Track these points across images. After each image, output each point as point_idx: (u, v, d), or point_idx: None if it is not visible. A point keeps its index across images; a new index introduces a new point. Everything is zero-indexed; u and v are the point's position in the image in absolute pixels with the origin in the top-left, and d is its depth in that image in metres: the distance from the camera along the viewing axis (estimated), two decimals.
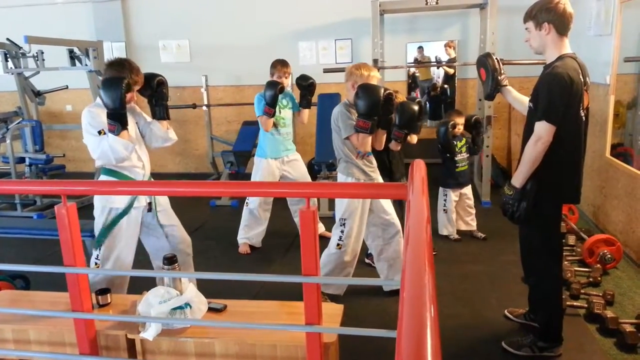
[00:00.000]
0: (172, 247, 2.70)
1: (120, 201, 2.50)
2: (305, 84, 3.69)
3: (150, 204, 2.61)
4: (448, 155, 3.91)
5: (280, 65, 3.68)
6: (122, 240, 2.54)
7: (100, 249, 2.51)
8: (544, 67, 2.31)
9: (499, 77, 2.53)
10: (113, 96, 2.29)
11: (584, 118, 2.26)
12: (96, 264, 2.52)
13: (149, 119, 2.68)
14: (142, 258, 2.79)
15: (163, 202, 2.70)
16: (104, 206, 2.50)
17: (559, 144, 2.20)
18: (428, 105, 5.71)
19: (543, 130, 2.18)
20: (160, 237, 2.69)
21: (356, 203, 2.85)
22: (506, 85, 2.56)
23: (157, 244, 2.70)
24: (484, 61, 2.59)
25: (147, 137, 2.66)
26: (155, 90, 2.61)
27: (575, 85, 2.16)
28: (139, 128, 2.64)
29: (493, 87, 2.54)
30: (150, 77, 2.59)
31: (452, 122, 3.85)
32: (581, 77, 2.20)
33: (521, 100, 2.56)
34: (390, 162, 3.48)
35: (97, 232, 2.53)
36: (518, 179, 2.30)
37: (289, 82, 3.76)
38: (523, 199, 2.29)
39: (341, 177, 2.95)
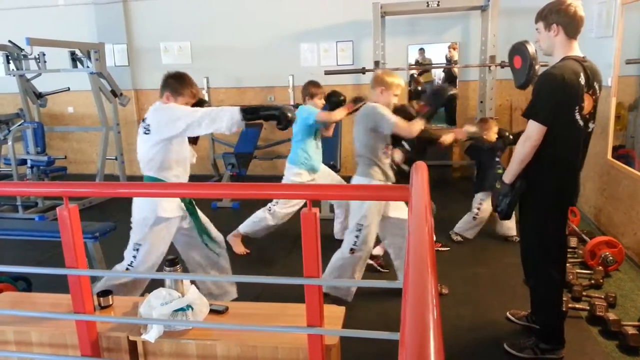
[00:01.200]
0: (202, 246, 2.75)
1: (171, 210, 2.52)
2: (337, 100, 3.77)
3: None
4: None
5: (317, 87, 3.74)
6: (160, 248, 2.57)
7: (136, 255, 2.52)
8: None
9: (536, 66, 2.50)
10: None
11: (581, 122, 2.20)
12: (127, 269, 2.54)
13: None
14: None
15: None
16: (150, 216, 2.48)
17: (550, 146, 2.19)
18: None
19: (532, 129, 2.18)
20: (189, 237, 2.74)
21: (374, 210, 2.85)
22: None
23: (189, 242, 2.76)
24: (522, 48, 2.52)
25: None
26: None
27: (569, 87, 2.13)
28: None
29: (529, 76, 2.50)
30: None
31: (500, 146, 3.88)
32: (582, 79, 2.15)
33: None
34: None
35: (144, 243, 2.51)
36: (507, 176, 2.32)
37: None
38: (508, 195, 2.32)
39: (360, 179, 2.91)
